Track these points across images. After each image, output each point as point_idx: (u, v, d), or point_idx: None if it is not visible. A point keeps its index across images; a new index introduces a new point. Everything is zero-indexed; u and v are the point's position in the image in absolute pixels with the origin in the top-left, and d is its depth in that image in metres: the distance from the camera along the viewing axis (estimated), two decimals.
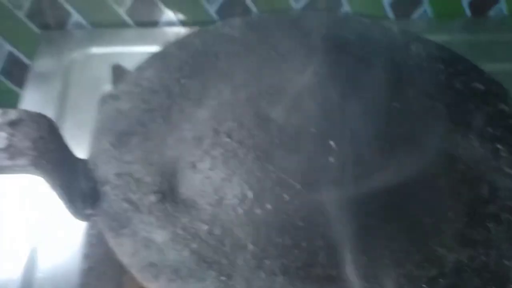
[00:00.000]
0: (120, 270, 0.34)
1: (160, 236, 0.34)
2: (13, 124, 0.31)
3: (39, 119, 0.32)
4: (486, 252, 0.35)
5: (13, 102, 0.51)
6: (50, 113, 0.48)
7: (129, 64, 0.49)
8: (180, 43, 0.48)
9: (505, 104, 0.44)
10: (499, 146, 0.41)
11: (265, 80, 0.46)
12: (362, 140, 0.41)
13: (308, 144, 0.41)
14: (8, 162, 0.29)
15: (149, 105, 0.43)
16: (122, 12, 0.56)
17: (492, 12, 0.62)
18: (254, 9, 0.57)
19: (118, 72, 0.48)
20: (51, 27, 0.56)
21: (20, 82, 0.61)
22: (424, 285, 0.33)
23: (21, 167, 0.29)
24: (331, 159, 0.40)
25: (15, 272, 0.36)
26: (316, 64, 0.46)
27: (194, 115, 0.43)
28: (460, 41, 0.58)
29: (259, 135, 0.41)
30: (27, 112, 0.32)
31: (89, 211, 0.34)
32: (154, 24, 0.57)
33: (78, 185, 0.34)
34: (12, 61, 0.59)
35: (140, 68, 0.45)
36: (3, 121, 0.31)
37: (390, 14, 0.60)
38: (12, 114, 0.31)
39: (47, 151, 0.31)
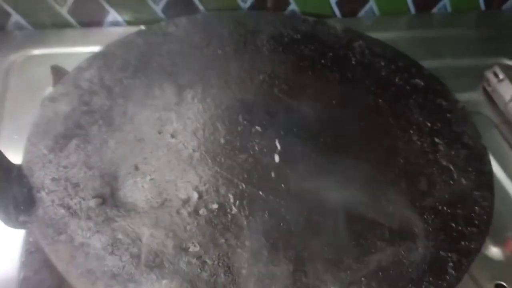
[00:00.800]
0: (58, 278, 0.33)
1: (98, 241, 0.33)
2: None
3: None
4: (424, 244, 0.36)
5: None
6: None
7: (72, 66, 0.48)
8: (123, 43, 0.47)
9: (444, 99, 0.46)
10: (437, 140, 0.42)
11: (210, 80, 0.45)
12: (305, 137, 0.42)
13: (253, 142, 0.41)
14: None
15: (89, 106, 0.42)
16: (64, 12, 0.54)
17: (436, 9, 0.64)
18: (201, 7, 0.57)
19: (57, 74, 0.47)
20: None
21: None
22: (363, 278, 0.33)
23: None
24: (276, 158, 0.41)
25: None
26: (260, 63, 0.47)
27: (137, 116, 0.42)
28: (405, 38, 0.59)
29: (204, 135, 0.41)
30: None
31: (23, 218, 0.33)
32: (98, 24, 0.56)
33: (10, 192, 0.33)
34: None
35: (80, 69, 0.44)
36: None
37: (337, 12, 0.61)
38: None
39: None
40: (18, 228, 0.33)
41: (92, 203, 0.35)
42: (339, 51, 0.48)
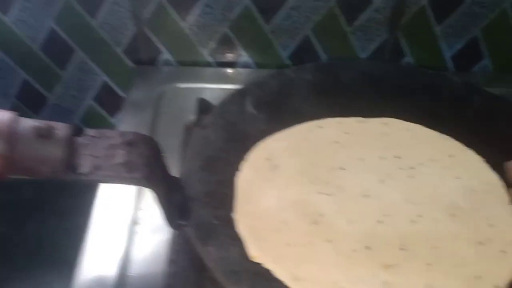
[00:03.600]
0: (201, 276, 0.39)
1: (239, 248, 0.39)
2: (129, 143, 0.37)
3: (150, 140, 0.38)
4: None
5: (103, 127, 0.58)
6: None
7: (209, 99, 0.56)
8: (259, 83, 0.54)
9: None
10: None
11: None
12: None
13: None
14: (126, 175, 0.35)
15: (230, 134, 0.49)
16: (205, 53, 0.63)
17: None
18: (323, 56, 0.63)
19: (202, 105, 0.54)
20: (143, 63, 0.64)
21: (111, 109, 0.70)
22: None
23: (136, 180, 0.35)
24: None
25: (110, 270, 0.42)
26: (384, 108, 0.51)
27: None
28: None
29: None
30: (139, 134, 0.38)
31: (181, 222, 0.39)
32: (232, 65, 0.64)
33: (173, 199, 0.39)
34: (107, 90, 0.67)
35: (224, 103, 0.51)
36: (122, 140, 0.37)
37: (451, 66, 0.64)
38: (129, 135, 0.37)
39: (155, 168, 0.37)
40: (175, 229, 0.39)
41: (235, 216, 0.41)
42: (458, 104, 0.51)
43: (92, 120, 0.70)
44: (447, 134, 0.49)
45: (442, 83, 0.53)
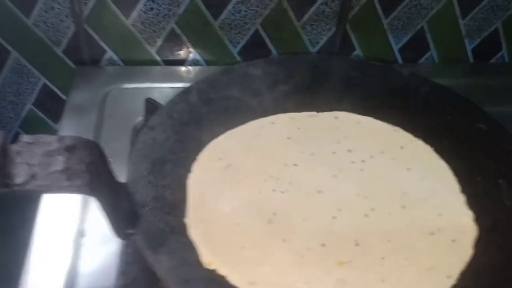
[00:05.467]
0: (154, 287, 0.37)
1: (194, 255, 0.37)
2: (69, 149, 0.34)
3: (91, 145, 0.36)
4: None
5: (45, 132, 0.54)
6: None
7: (158, 99, 0.54)
8: (208, 80, 0.52)
9: (507, 143, 0.48)
10: (500, 181, 0.44)
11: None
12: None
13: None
14: (66, 183, 0.33)
15: (180, 135, 0.47)
16: (152, 51, 0.61)
17: (494, 59, 0.67)
18: (274, 51, 0.62)
19: (150, 105, 0.52)
20: (86, 63, 0.61)
21: (53, 115, 0.66)
22: None
23: (77, 188, 0.33)
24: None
25: (57, 287, 0.39)
26: (335, 102, 0.51)
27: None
28: (463, 85, 0.62)
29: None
30: (80, 138, 0.36)
31: (129, 231, 0.37)
32: (181, 62, 0.62)
33: (120, 207, 0.37)
34: (47, 94, 0.63)
35: (172, 102, 0.49)
36: (60, 146, 0.34)
37: (399, 58, 0.65)
38: (68, 140, 0.35)
39: (98, 174, 0.35)
40: (124, 239, 0.37)
41: (187, 221, 0.40)
42: (407, 95, 0.51)
43: (33, 127, 0.66)
44: (397, 126, 0.50)
45: (391, 75, 0.54)
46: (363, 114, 0.51)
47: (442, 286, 0.36)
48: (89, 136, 0.52)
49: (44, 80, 0.63)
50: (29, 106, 0.65)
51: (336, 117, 0.51)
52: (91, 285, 0.40)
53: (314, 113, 0.51)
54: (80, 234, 0.43)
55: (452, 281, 0.37)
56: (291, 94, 0.52)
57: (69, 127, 0.53)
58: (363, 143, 0.48)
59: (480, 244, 0.39)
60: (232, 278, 0.36)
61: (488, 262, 0.38)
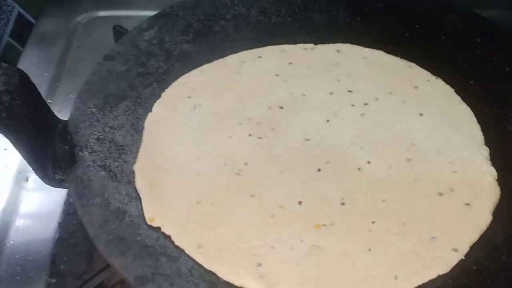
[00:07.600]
0: (91, 244, 0.31)
1: (136, 208, 0.31)
2: None
3: (9, 71, 0.29)
4: None
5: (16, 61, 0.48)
6: (47, 73, 0.46)
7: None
8: (187, 4, 0.44)
9: None
10: None
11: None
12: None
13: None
14: None
15: (145, 68, 0.39)
16: None
17: None
18: None
19: (119, 34, 0.45)
20: None
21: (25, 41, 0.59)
22: None
23: None
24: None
25: None
26: (337, 32, 0.42)
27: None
28: (504, 16, 0.51)
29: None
30: None
31: (60, 176, 0.31)
32: None
33: (51, 148, 0.31)
34: (21, 22, 0.57)
35: (140, 29, 0.41)
36: None
37: None
38: None
39: (12, 107, 0.28)
40: (54, 186, 0.31)
41: (135, 168, 0.33)
42: (426, 27, 0.41)
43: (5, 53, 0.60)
44: (412, 61, 0.40)
45: (410, 2, 0.43)
46: (372, 47, 0.42)
47: (445, 261, 0.28)
48: (51, 68, 0.46)
49: (17, 7, 0.56)
50: (6, 38, 0.58)
51: (338, 51, 0.42)
52: (26, 238, 0.34)
53: (311, 45, 0.43)
54: (23, 177, 0.37)
55: (460, 255, 0.29)
56: (286, 22, 0.43)
57: (29, 58, 0.47)
58: (368, 82, 0.39)
59: (502, 211, 0.31)
60: (178, 239, 0.29)
61: (510, 234, 0.29)
